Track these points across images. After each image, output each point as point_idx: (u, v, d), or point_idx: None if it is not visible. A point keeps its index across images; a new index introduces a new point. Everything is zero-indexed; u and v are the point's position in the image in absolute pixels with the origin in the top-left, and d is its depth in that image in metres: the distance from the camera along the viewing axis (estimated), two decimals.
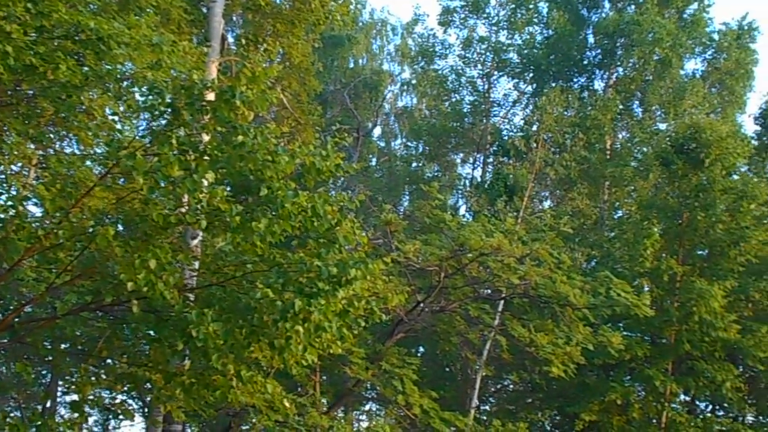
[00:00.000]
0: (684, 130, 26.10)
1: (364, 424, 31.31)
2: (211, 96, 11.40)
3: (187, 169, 10.90)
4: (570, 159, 29.21)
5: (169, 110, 11.27)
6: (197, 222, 10.98)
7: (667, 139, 27.01)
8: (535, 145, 27.92)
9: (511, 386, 30.06)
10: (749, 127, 33.12)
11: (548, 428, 28.93)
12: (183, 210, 11.13)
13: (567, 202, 31.45)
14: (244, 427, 18.70)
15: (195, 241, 14.00)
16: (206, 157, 11.07)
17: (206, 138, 11.49)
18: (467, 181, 38.83)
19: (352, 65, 39.91)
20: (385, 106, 40.57)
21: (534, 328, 19.67)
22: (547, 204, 34.74)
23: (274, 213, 11.13)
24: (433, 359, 27.35)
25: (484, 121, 36.76)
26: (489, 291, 21.36)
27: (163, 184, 10.84)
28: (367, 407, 32.47)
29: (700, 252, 26.29)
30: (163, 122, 11.55)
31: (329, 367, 18.87)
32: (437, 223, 19.48)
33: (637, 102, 35.91)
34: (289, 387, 17.31)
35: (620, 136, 35.42)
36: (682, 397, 26.67)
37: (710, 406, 28.10)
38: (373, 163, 40.19)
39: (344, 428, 17.04)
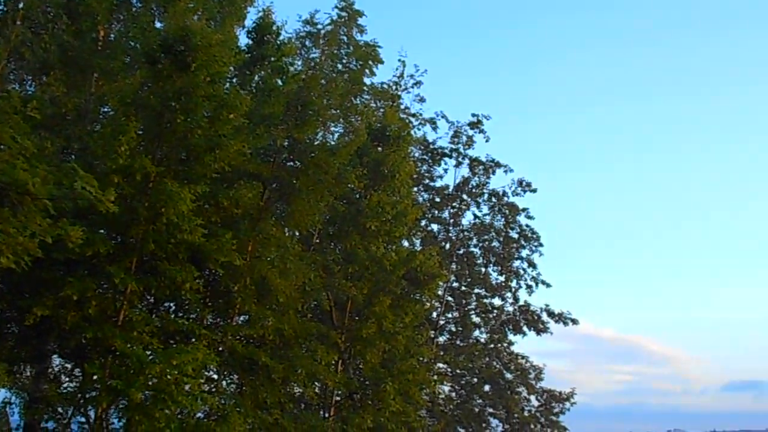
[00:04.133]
0: (175, 31, 25.76)
1: None
2: None
3: None
4: (50, 42, 27.52)
5: None
6: None
7: (158, 37, 26.45)
8: (19, 22, 25.96)
9: None
10: (244, 41, 33.70)
11: None
12: None
13: (45, 87, 29.64)
14: None
15: None
16: None
17: None
18: None
19: None
20: None
21: None
22: (31, 88, 32.61)
23: None
24: None
25: None
26: None
27: None
28: None
29: (179, 156, 26.36)
30: None
31: None
32: None
33: None
34: None
35: (116, 28, 34.07)
36: (151, 298, 26.91)
37: (173, 307, 28.76)
38: None
39: None
